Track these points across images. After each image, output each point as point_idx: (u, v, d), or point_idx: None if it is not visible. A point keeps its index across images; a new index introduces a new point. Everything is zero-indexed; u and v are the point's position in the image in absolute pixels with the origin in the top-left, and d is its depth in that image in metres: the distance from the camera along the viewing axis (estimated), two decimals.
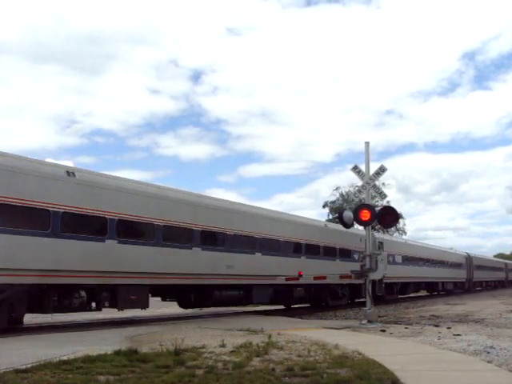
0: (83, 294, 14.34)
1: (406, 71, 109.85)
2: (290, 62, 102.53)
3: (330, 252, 25.55)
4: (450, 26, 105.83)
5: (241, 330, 12.33)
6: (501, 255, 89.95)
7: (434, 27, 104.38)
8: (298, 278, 20.51)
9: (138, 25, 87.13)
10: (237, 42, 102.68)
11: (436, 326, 14.82)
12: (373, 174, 16.27)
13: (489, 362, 8.19)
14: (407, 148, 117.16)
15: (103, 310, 15.20)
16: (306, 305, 24.89)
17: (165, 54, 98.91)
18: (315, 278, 20.99)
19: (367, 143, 16.35)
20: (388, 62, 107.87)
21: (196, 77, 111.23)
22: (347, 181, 62.72)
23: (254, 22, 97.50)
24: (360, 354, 8.59)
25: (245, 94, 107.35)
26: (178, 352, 8.33)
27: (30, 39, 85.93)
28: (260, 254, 20.59)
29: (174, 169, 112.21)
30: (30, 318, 17.97)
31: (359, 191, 17.92)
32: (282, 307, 23.90)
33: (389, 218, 16.24)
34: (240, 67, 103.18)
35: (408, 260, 34.78)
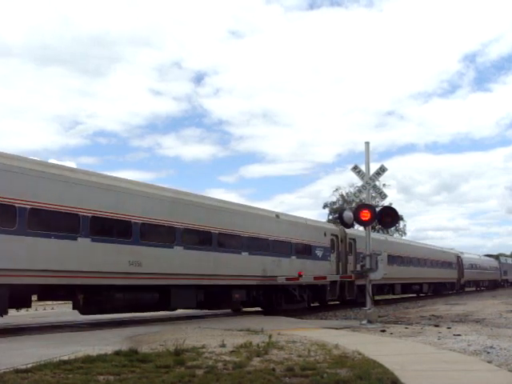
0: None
1: (407, 73, 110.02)
2: (292, 63, 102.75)
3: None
4: (450, 29, 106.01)
5: (241, 330, 12.34)
6: (501, 255, 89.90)
7: (435, 30, 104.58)
8: (298, 278, 20.65)
9: (142, 27, 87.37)
10: (239, 44, 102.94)
11: (436, 326, 14.82)
12: (373, 174, 16.25)
13: (489, 362, 8.19)
14: (408, 149, 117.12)
15: None
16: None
17: (168, 56, 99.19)
18: (315, 279, 21.14)
19: (367, 143, 16.34)
20: (389, 63, 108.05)
21: (199, 78, 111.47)
22: (348, 181, 62.87)
23: (257, 24, 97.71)
24: (360, 354, 8.59)
25: (247, 95, 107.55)
26: (178, 352, 8.33)
27: (36, 41, 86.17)
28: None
29: (176, 169, 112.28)
30: (30, 318, 18.00)
31: (359, 191, 17.92)
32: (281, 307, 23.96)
33: (389, 218, 16.24)
34: (242, 69, 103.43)
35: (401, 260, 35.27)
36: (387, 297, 33.63)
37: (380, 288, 29.41)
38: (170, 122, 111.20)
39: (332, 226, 26.92)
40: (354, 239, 27.06)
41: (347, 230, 25.85)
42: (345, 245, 26.27)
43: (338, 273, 24.99)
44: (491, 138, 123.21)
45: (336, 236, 25.68)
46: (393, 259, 30.64)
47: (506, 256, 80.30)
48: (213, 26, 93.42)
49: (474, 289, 53.57)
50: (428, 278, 37.93)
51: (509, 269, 68.36)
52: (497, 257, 65.58)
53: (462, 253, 49.21)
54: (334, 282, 23.77)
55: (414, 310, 23.30)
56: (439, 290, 41.16)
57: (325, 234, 24.69)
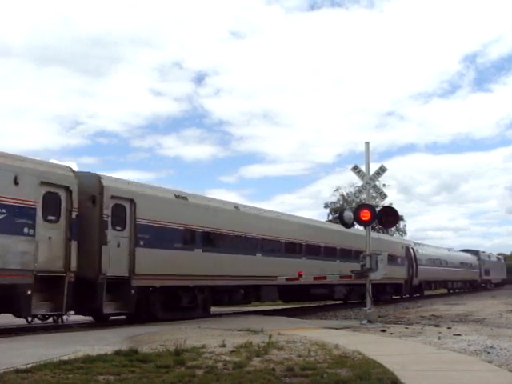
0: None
1: (407, 73, 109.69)
2: (293, 64, 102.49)
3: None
4: (451, 29, 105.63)
5: (241, 330, 12.33)
6: (501, 255, 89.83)
7: (436, 30, 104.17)
8: (298, 278, 20.58)
9: (142, 28, 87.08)
10: (240, 44, 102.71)
11: (436, 325, 14.83)
12: (373, 174, 16.25)
13: (489, 362, 8.19)
14: (408, 149, 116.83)
15: None
16: None
17: (169, 57, 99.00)
18: (315, 278, 21.07)
19: (367, 143, 16.34)
20: (389, 64, 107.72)
21: (199, 79, 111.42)
22: (348, 181, 62.75)
23: (258, 25, 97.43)
24: (360, 354, 8.59)
25: (247, 95, 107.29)
26: (178, 352, 8.32)
27: (36, 41, 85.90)
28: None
29: (176, 169, 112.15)
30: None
31: (359, 191, 17.93)
32: (281, 307, 23.95)
33: (389, 218, 16.24)
34: (243, 69, 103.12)
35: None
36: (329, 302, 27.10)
37: (232, 292, 19.33)
38: (170, 122, 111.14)
39: (46, 168, 13.63)
40: (130, 200, 15.22)
41: (108, 181, 14.90)
42: (100, 209, 14.45)
43: (66, 260, 13.40)
44: (491, 139, 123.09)
45: (65, 189, 13.63)
46: (272, 246, 21.53)
47: (506, 255, 77.62)
48: (213, 27, 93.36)
49: (442, 291, 44.45)
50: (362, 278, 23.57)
51: (492, 267, 57.34)
52: (476, 252, 54.08)
53: (418, 244, 39.12)
54: (49, 280, 13.11)
55: (414, 310, 23.30)
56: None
57: (16, 181, 12.48)
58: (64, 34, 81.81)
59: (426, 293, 39.86)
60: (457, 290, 47.85)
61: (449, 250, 48.45)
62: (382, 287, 29.67)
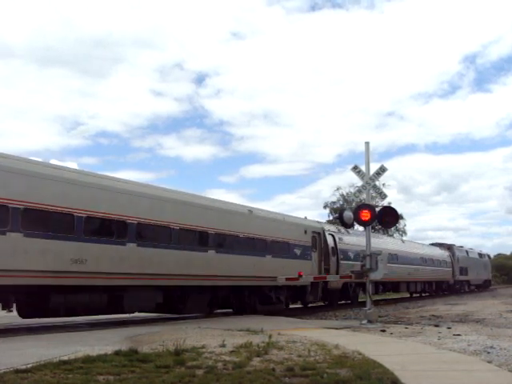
0: None
1: (407, 74, 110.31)
2: (293, 65, 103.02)
3: None
4: (451, 30, 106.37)
5: (241, 330, 12.32)
6: (501, 255, 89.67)
7: (436, 31, 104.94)
8: (297, 279, 20.56)
9: (144, 29, 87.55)
10: (241, 45, 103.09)
11: (436, 326, 14.83)
12: (373, 174, 16.25)
13: (489, 362, 8.19)
14: (408, 149, 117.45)
15: None
16: None
17: (170, 58, 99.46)
18: (316, 278, 21.04)
19: (367, 143, 16.34)
20: (390, 64, 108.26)
21: (200, 79, 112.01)
22: (348, 181, 62.87)
23: (258, 26, 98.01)
24: (360, 354, 8.59)
25: (248, 96, 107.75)
26: (178, 352, 8.32)
27: (38, 43, 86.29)
28: None
29: (177, 170, 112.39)
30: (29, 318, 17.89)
31: (359, 191, 17.92)
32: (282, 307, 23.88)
33: (389, 218, 16.24)
34: (243, 70, 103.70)
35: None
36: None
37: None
38: (171, 122, 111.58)
39: None
40: None
41: None
42: None
43: None
44: (491, 139, 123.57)
45: None
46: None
47: (505, 255, 75.32)
48: (214, 28, 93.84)
49: (397, 295, 34.16)
50: (195, 277, 16.73)
51: (471, 265, 46.44)
52: (449, 246, 43.91)
53: (339, 231, 25.71)
54: None
55: (414, 310, 23.29)
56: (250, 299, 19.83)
57: None
58: (66, 36, 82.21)
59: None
60: (423, 294, 37.93)
61: (403, 241, 38.41)
62: (259, 291, 20.01)
